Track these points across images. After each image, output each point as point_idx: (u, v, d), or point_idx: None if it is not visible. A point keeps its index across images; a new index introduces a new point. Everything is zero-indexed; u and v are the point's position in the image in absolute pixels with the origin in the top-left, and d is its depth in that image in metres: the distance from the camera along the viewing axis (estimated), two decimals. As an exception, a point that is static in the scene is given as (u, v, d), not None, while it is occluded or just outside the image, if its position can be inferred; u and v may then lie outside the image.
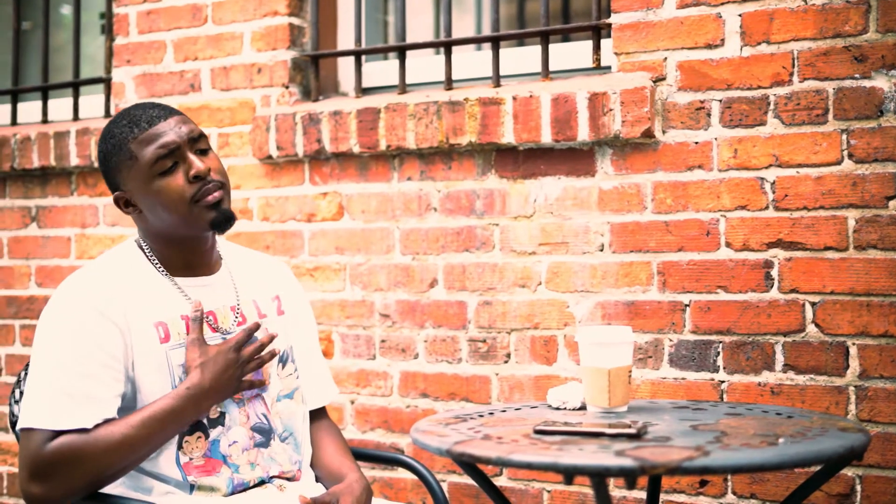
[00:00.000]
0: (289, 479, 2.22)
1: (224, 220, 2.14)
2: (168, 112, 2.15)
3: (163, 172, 2.10)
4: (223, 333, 2.18)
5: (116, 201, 2.17)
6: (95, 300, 2.05)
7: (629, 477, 1.68)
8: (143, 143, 2.11)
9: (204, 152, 2.15)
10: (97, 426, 2.00)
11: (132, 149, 2.11)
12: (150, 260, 2.17)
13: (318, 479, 2.31)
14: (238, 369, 2.09)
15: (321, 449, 2.34)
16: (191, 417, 2.06)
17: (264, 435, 2.19)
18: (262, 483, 2.17)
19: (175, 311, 2.13)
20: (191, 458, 2.10)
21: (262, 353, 2.13)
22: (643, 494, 2.72)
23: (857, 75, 2.50)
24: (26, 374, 2.25)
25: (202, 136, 2.17)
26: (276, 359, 2.25)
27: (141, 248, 2.19)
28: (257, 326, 2.13)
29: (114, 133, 2.14)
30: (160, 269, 2.17)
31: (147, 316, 2.10)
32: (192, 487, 2.09)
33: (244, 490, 2.14)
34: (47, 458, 1.97)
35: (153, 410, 2.02)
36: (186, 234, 2.16)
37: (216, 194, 2.12)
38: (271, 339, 2.14)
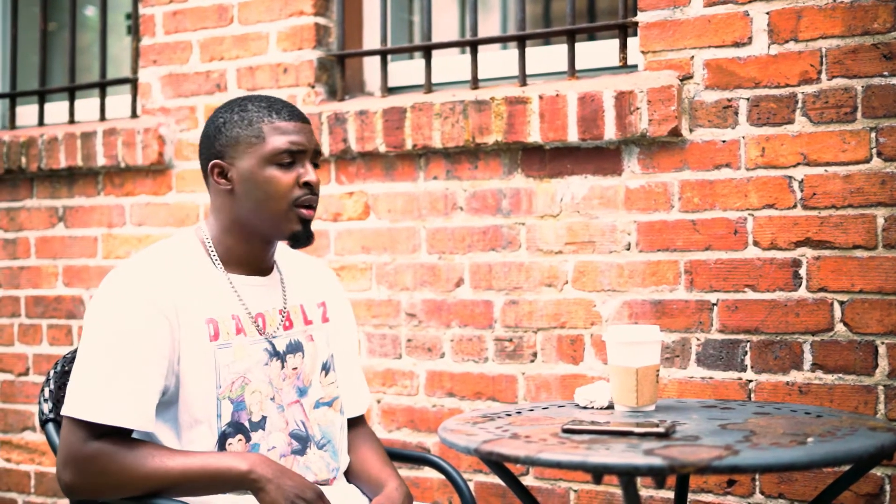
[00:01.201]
0: (321, 484, 2.20)
1: (305, 238, 2.14)
2: (305, 118, 2.17)
3: (280, 164, 2.10)
4: (268, 337, 2.16)
5: (211, 168, 2.13)
6: (148, 292, 2.03)
7: (658, 476, 1.67)
8: (276, 129, 2.11)
9: (316, 167, 2.16)
10: (141, 443, 2.00)
11: (263, 129, 2.11)
12: (208, 253, 2.15)
13: (359, 488, 2.29)
14: (301, 500, 1.99)
15: (361, 457, 2.31)
16: (228, 490, 2.01)
17: (301, 442, 2.17)
18: None
19: (227, 309, 2.12)
20: None
21: None
22: (670, 494, 2.71)
23: (885, 73, 2.49)
24: (70, 360, 2.27)
25: (320, 154, 2.20)
26: (319, 366, 2.24)
27: (201, 240, 2.16)
28: None
29: (247, 108, 2.14)
30: (217, 264, 2.14)
31: (199, 312, 2.08)
32: None
33: None
34: (86, 457, 1.98)
35: (201, 465, 1.99)
36: (264, 231, 2.14)
37: (312, 211, 2.14)
38: None
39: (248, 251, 2.17)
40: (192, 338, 2.06)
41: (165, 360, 2.04)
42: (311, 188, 2.12)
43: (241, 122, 2.12)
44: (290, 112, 2.15)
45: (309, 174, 2.12)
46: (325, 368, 2.26)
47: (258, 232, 2.14)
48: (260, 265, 2.20)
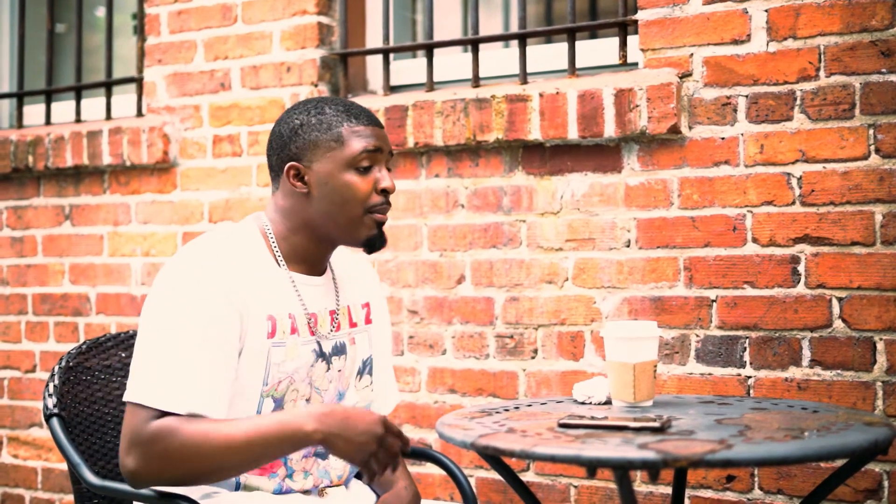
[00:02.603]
0: (336, 485, 2.20)
1: (381, 243, 2.12)
2: (381, 123, 2.16)
3: (358, 169, 2.08)
4: (319, 338, 2.13)
5: (287, 170, 2.09)
6: (223, 284, 1.99)
7: (652, 470, 1.69)
8: (356, 133, 2.09)
9: (389, 171, 2.15)
10: (199, 418, 1.94)
11: (342, 133, 2.08)
12: (271, 249, 2.11)
13: (369, 485, 2.28)
14: (374, 443, 1.92)
15: None
16: (301, 443, 1.92)
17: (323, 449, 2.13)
18: (306, 492, 2.15)
19: (285, 307, 2.08)
20: None
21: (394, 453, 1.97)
22: (670, 490, 2.72)
23: (883, 70, 2.50)
24: (75, 355, 2.27)
25: (392, 157, 2.20)
26: (356, 369, 2.22)
27: (264, 235, 2.12)
28: (408, 446, 1.99)
29: (325, 111, 2.11)
30: (280, 262, 2.11)
31: (261, 307, 2.04)
32: (237, 485, 2.08)
33: (288, 494, 2.12)
34: (147, 436, 1.91)
35: (265, 430, 1.92)
36: (336, 235, 2.11)
37: (385, 216, 2.12)
38: (406, 445, 1.99)
39: (313, 252, 2.13)
40: (253, 332, 2.02)
41: (236, 351, 2.00)
42: (387, 194, 2.11)
43: (320, 126, 2.10)
44: (368, 117, 2.13)
45: (385, 180, 2.10)
46: (361, 372, 2.24)
47: (330, 236, 2.11)
48: (320, 265, 2.17)
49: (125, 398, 1.96)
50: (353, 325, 2.23)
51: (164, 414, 1.92)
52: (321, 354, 2.13)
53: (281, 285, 2.09)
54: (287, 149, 2.11)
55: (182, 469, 1.92)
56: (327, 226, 2.09)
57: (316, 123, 2.10)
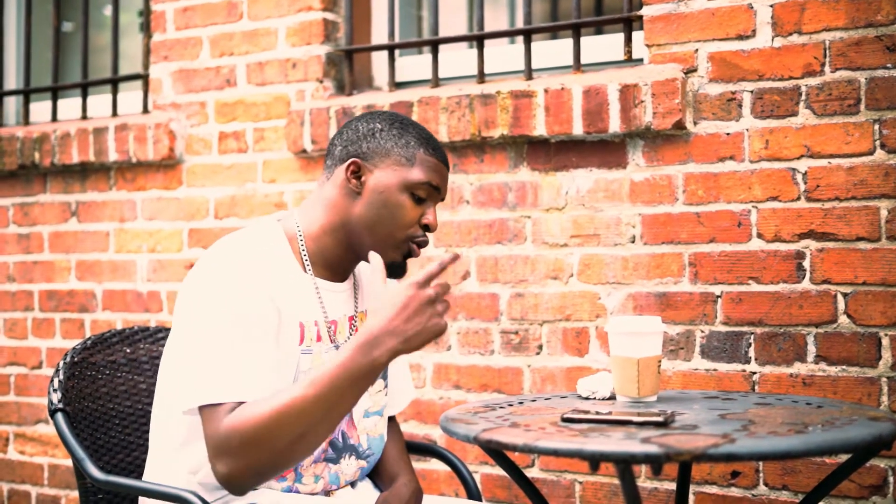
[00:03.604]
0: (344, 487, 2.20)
1: (401, 272, 2.10)
2: (449, 166, 2.16)
3: (414, 195, 2.07)
4: (337, 345, 2.11)
5: (349, 164, 2.07)
6: (263, 283, 1.95)
7: (654, 464, 1.68)
8: (427, 162, 2.08)
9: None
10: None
11: (417, 155, 2.07)
12: (299, 252, 2.09)
13: (373, 479, 2.29)
14: (426, 306, 1.81)
15: (382, 451, 2.29)
16: (364, 370, 1.80)
17: (336, 451, 2.13)
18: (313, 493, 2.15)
19: (311, 314, 2.07)
20: None
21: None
22: (675, 486, 2.72)
23: (889, 65, 2.49)
24: (80, 350, 2.26)
25: (442, 201, 2.23)
26: None
27: (290, 237, 2.09)
28: (457, 258, 1.86)
29: (408, 129, 2.11)
30: (307, 267, 2.09)
31: (293, 313, 2.02)
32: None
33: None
34: (224, 434, 1.84)
35: (320, 369, 1.82)
36: (366, 246, 2.07)
37: (419, 252, 2.11)
38: (453, 260, 1.86)
39: (340, 256, 2.11)
40: (285, 337, 2.00)
41: (277, 353, 1.97)
42: (429, 231, 2.10)
43: (398, 139, 2.09)
44: (443, 155, 2.13)
45: (433, 218, 2.09)
46: None
47: (360, 244, 2.09)
48: (342, 273, 2.15)
49: (197, 404, 1.88)
50: None
51: (230, 409, 1.85)
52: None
53: (306, 291, 2.07)
54: (358, 144, 2.10)
55: (269, 449, 1.82)
56: (362, 234, 2.07)
57: (396, 135, 2.09)
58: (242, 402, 1.86)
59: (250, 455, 1.83)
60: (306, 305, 2.06)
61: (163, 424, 2.11)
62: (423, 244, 2.10)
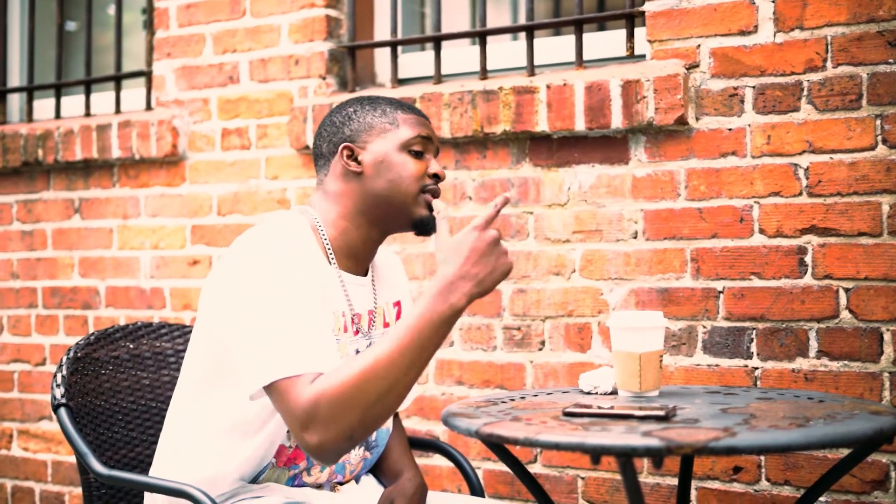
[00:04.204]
0: (346, 481, 2.21)
1: (432, 226, 2.11)
2: (429, 120, 2.21)
3: (411, 152, 2.11)
4: (360, 337, 2.13)
5: (342, 150, 2.11)
6: (307, 273, 1.95)
7: (655, 457, 1.69)
8: (410, 120, 2.14)
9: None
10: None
11: (398, 117, 2.13)
12: (322, 245, 2.10)
13: (377, 475, 2.31)
14: (492, 246, 1.84)
15: (385, 447, 2.31)
16: (445, 317, 1.81)
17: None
18: (318, 486, 2.16)
19: (338, 305, 2.08)
20: (290, 446, 2.06)
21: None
22: (677, 482, 2.72)
23: (890, 60, 2.49)
24: (83, 346, 2.28)
25: (439, 152, 2.24)
26: None
27: (314, 229, 2.11)
28: (508, 200, 1.89)
29: (378, 101, 2.17)
30: (332, 259, 2.10)
31: (325, 301, 2.03)
32: (256, 478, 2.08)
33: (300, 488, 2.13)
34: (310, 404, 1.80)
35: (399, 324, 1.82)
36: (388, 216, 2.11)
37: (438, 198, 2.13)
38: (505, 202, 1.90)
39: (362, 241, 2.12)
40: None
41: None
42: (439, 179, 2.14)
43: (374, 111, 2.14)
44: (419, 111, 2.18)
45: (436, 166, 2.13)
46: None
47: (382, 217, 2.11)
48: (363, 262, 2.16)
49: (270, 380, 1.84)
50: (385, 325, 2.23)
51: (308, 378, 1.82)
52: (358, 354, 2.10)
53: (333, 283, 2.09)
54: (341, 132, 2.14)
55: (360, 410, 1.80)
56: (380, 206, 2.11)
57: (370, 109, 2.15)
58: (320, 373, 1.83)
59: (342, 419, 1.79)
60: (333, 296, 2.08)
61: (177, 419, 2.11)
62: (437, 192, 2.13)
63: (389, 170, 2.09)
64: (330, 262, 2.09)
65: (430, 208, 2.11)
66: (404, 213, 2.10)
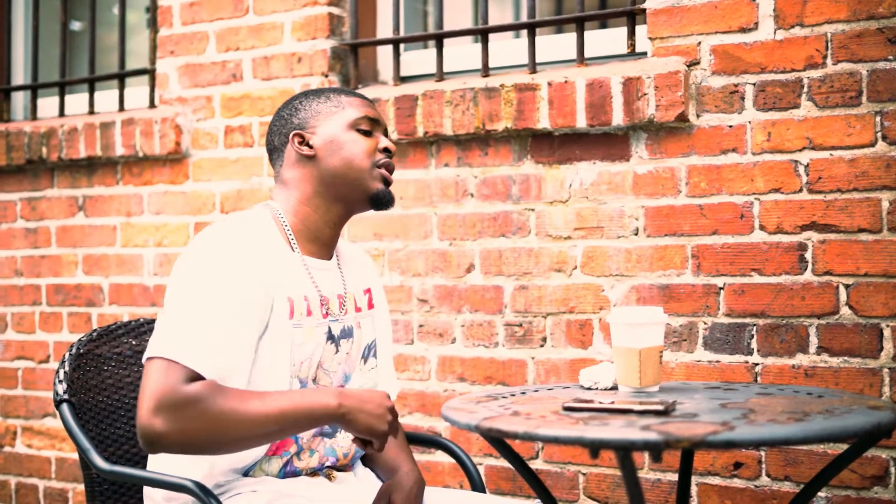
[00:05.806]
0: (340, 469, 2.23)
1: (389, 199, 2.20)
2: (373, 103, 2.29)
3: (360, 130, 2.19)
4: (330, 321, 2.17)
5: (292, 137, 2.18)
6: (252, 261, 2.02)
7: (654, 450, 1.69)
8: (354, 102, 2.22)
9: None
10: (230, 389, 1.93)
11: (343, 100, 2.21)
12: (284, 232, 2.15)
13: (374, 469, 2.32)
14: (388, 412, 2.02)
15: None
16: (313, 426, 1.99)
17: (333, 426, 2.17)
18: (313, 473, 2.18)
19: (300, 289, 2.12)
20: None
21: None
22: (677, 477, 2.73)
23: (890, 57, 2.50)
24: (85, 343, 2.31)
25: (388, 133, 2.29)
26: (361, 352, 2.26)
27: (275, 218, 2.16)
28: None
29: (322, 91, 2.25)
30: (294, 245, 2.15)
31: (282, 288, 2.07)
32: (247, 471, 2.10)
33: (294, 477, 2.15)
34: (183, 398, 1.86)
35: (295, 405, 1.94)
36: (346, 194, 2.17)
37: (391, 175, 2.21)
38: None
39: (324, 223, 2.18)
40: (277, 312, 2.05)
41: (260, 328, 2.02)
42: (390, 154, 2.21)
43: (319, 98, 2.22)
44: (363, 95, 2.27)
45: (386, 141, 2.21)
46: (366, 356, 2.27)
47: (339, 196, 2.17)
48: (326, 247, 2.21)
49: (153, 354, 1.91)
50: (357, 309, 2.27)
51: (195, 377, 1.89)
52: (331, 337, 2.17)
53: (295, 268, 2.13)
54: (290, 123, 2.21)
55: (211, 435, 1.89)
56: (336, 185, 2.17)
57: (315, 97, 2.23)
58: (196, 373, 1.89)
59: (196, 431, 1.88)
60: (295, 281, 2.11)
61: None
62: (391, 167, 2.22)
63: (341, 148, 2.17)
64: (293, 249, 2.15)
65: (386, 182, 2.20)
66: (360, 189, 2.17)
